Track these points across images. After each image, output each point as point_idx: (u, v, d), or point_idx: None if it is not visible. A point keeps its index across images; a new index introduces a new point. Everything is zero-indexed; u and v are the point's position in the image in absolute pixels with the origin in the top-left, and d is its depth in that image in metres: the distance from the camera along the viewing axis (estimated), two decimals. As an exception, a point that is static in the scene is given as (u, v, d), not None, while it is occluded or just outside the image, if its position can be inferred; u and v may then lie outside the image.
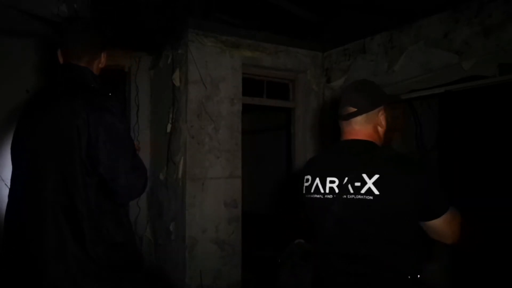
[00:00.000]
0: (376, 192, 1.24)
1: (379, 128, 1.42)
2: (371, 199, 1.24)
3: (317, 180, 1.38)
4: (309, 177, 1.42)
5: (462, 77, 2.93)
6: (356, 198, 1.27)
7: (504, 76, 2.71)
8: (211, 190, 3.54)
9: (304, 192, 1.43)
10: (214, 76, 3.59)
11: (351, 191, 1.28)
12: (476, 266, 3.56)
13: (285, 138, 5.76)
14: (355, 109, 1.38)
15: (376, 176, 1.24)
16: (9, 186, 1.51)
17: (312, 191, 1.39)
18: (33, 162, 1.43)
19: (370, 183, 1.25)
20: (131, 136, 1.58)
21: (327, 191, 1.34)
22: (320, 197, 1.36)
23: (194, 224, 3.45)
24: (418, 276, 1.28)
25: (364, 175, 1.26)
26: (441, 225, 1.28)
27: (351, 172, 1.29)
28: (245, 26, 3.91)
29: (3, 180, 3.51)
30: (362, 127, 1.39)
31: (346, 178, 1.30)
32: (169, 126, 3.78)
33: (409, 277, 1.27)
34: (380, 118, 1.41)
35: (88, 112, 1.37)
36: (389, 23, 3.50)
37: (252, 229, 4.72)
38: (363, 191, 1.26)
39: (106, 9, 3.38)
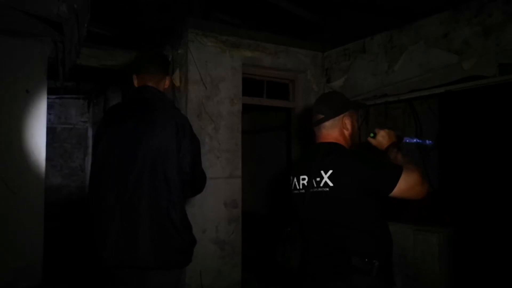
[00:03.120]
0: (331, 184, 1.49)
1: (345, 131, 1.66)
2: (327, 190, 1.49)
3: (295, 179, 1.66)
4: (291, 177, 1.70)
5: (462, 77, 2.93)
6: (317, 191, 1.53)
7: (504, 76, 2.71)
8: (211, 190, 3.54)
9: (291, 189, 1.71)
10: (214, 76, 3.59)
11: (314, 185, 1.54)
12: (477, 265, 3.55)
13: (285, 138, 5.76)
14: (323, 116, 1.64)
15: (330, 171, 1.50)
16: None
17: (292, 188, 1.67)
18: (136, 160, 1.77)
19: (326, 178, 1.50)
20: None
21: (301, 187, 1.62)
22: (297, 192, 1.64)
23: (194, 224, 3.41)
24: (374, 261, 1.45)
25: (322, 171, 1.52)
26: (401, 192, 1.46)
27: (314, 169, 1.55)
28: (245, 26, 3.91)
29: (3, 180, 3.51)
30: (329, 131, 1.65)
31: (311, 175, 1.56)
32: (169, 126, 3.77)
33: (366, 260, 1.45)
34: (344, 122, 1.65)
35: (179, 127, 1.81)
36: (389, 23, 3.50)
37: (252, 229, 4.72)
38: (321, 184, 1.51)
39: (106, 9, 3.39)
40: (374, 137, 1.70)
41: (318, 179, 1.53)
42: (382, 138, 1.69)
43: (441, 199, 4.62)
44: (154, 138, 1.79)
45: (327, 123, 1.64)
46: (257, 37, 3.82)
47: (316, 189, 1.53)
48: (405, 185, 1.45)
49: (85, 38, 3.17)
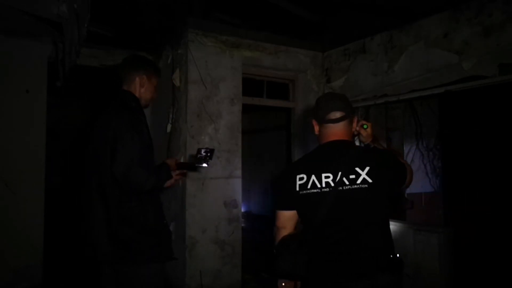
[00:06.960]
0: (370, 180, 1.48)
1: (353, 131, 1.70)
2: (366, 187, 1.47)
3: (313, 177, 1.55)
4: (303, 175, 1.57)
5: (462, 77, 2.93)
6: (352, 188, 1.48)
7: (504, 76, 2.71)
8: (211, 190, 3.54)
9: (298, 189, 1.57)
10: (214, 76, 3.59)
11: (347, 183, 1.49)
12: (476, 264, 3.55)
13: (285, 138, 5.76)
14: (344, 114, 1.60)
15: (367, 168, 1.49)
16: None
17: (308, 187, 1.54)
18: (89, 159, 1.97)
19: (364, 174, 1.49)
20: (143, 143, 1.84)
21: (324, 185, 1.52)
22: (317, 191, 1.53)
23: (194, 224, 3.45)
24: (398, 255, 1.50)
25: (357, 168, 1.50)
26: (407, 183, 1.62)
27: (343, 167, 1.51)
28: (245, 26, 3.91)
29: (3, 180, 3.51)
30: (345, 129, 1.62)
31: (340, 173, 1.50)
32: (169, 126, 3.78)
33: (391, 256, 1.48)
34: (355, 122, 1.70)
35: (117, 127, 1.80)
36: (389, 23, 3.50)
37: (252, 229, 4.72)
38: (358, 181, 1.48)
39: (106, 9, 3.38)
40: (366, 128, 1.76)
41: (352, 176, 1.49)
42: (371, 130, 1.76)
43: (441, 199, 4.61)
44: (100, 138, 1.88)
45: (345, 122, 1.61)
46: (257, 37, 3.83)
47: (350, 187, 1.48)
48: (409, 176, 1.60)
49: (85, 38, 3.17)
